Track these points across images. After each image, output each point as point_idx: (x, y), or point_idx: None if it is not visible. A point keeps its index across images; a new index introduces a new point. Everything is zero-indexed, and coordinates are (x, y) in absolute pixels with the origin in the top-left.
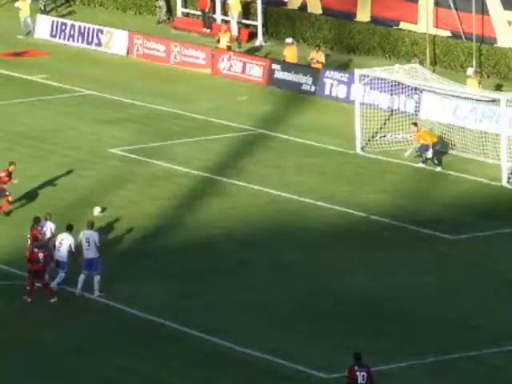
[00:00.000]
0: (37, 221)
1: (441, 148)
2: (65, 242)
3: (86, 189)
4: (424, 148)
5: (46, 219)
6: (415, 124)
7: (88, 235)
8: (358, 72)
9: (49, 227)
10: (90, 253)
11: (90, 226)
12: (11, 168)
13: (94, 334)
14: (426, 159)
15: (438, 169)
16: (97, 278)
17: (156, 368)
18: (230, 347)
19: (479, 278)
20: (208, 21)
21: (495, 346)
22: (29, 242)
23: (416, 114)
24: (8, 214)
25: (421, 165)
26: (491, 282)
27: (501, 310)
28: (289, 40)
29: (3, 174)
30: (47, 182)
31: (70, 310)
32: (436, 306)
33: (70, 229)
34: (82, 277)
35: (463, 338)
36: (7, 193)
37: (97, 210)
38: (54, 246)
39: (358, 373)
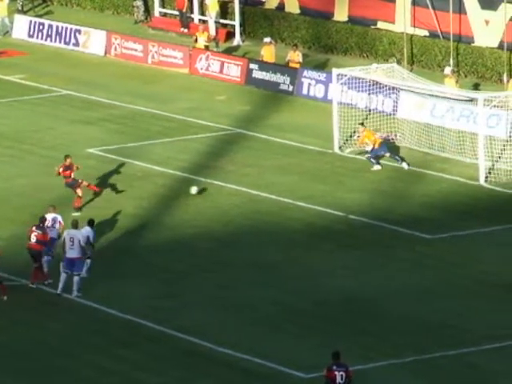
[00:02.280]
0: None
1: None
2: (84, 237)
3: (64, 189)
4: (376, 151)
5: (50, 212)
6: (362, 124)
7: (72, 234)
8: (335, 71)
9: (57, 219)
10: (72, 252)
11: (75, 225)
12: (68, 161)
13: (73, 334)
14: (378, 158)
15: (404, 165)
16: (76, 279)
17: (135, 368)
18: (210, 347)
19: (457, 277)
20: (186, 20)
21: (474, 345)
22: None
23: (393, 114)
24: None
25: (378, 167)
26: (469, 282)
27: (479, 309)
28: (267, 39)
29: (61, 169)
30: (25, 182)
31: (49, 310)
32: (415, 306)
33: (91, 223)
34: (63, 276)
35: (442, 337)
36: (80, 180)
37: (194, 190)
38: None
39: (336, 372)
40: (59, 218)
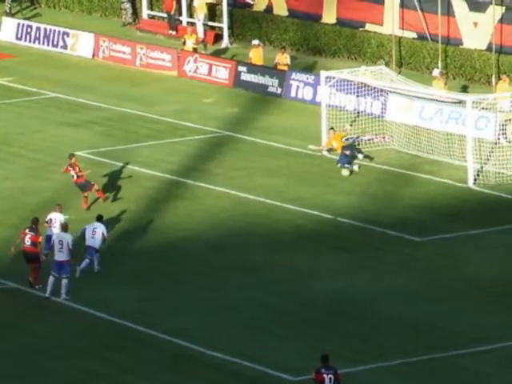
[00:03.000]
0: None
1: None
2: (98, 231)
3: (52, 191)
4: (345, 155)
5: (56, 210)
6: (332, 128)
7: (61, 237)
8: (324, 74)
9: (58, 218)
10: (61, 255)
11: (64, 227)
12: (72, 160)
13: (61, 337)
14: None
15: (355, 167)
16: (64, 282)
17: (123, 371)
18: (198, 350)
19: (445, 279)
20: (174, 23)
21: (462, 347)
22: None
23: (382, 116)
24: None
25: (347, 172)
26: (457, 284)
27: (466, 311)
28: (255, 42)
29: (71, 169)
30: (12, 185)
31: (37, 313)
32: (403, 308)
33: (100, 218)
34: (51, 279)
35: (430, 339)
36: (92, 183)
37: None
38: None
39: (325, 375)
40: (61, 217)
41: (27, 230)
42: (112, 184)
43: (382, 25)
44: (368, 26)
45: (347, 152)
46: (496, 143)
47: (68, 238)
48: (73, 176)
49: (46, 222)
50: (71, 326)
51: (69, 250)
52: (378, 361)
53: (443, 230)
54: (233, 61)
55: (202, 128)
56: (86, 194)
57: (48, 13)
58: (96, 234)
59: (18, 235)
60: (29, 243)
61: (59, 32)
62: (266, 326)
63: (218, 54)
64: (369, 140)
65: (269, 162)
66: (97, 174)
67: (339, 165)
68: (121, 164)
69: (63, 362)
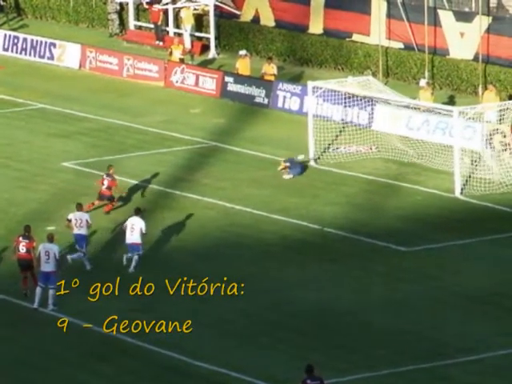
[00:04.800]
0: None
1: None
2: (136, 226)
3: (39, 203)
4: (290, 168)
5: (78, 210)
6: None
7: (48, 248)
8: (310, 84)
9: (84, 218)
10: (48, 266)
11: (50, 238)
12: (111, 171)
13: (47, 348)
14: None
15: (288, 176)
16: (51, 293)
17: (110, 382)
18: (185, 361)
19: (432, 289)
20: (160, 33)
21: (449, 357)
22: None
23: (369, 126)
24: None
25: (289, 176)
26: (444, 294)
27: (454, 321)
28: (242, 52)
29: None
30: (0, 196)
31: (24, 324)
32: (390, 318)
33: (138, 212)
34: (38, 290)
35: (417, 350)
36: (115, 200)
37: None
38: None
39: None
40: (86, 216)
41: (21, 238)
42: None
43: (368, 35)
44: (355, 37)
45: (288, 164)
46: (483, 153)
47: (55, 249)
48: (103, 185)
49: (69, 221)
50: (56, 337)
51: (56, 261)
52: (365, 371)
53: (430, 239)
54: (220, 71)
55: (189, 138)
56: (96, 203)
57: (35, 24)
58: (134, 229)
59: (12, 243)
60: (23, 250)
61: (46, 43)
62: (253, 336)
63: (204, 64)
64: (356, 151)
65: (256, 172)
66: (84, 184)
67: (292, 175)
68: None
69: (51, 373)
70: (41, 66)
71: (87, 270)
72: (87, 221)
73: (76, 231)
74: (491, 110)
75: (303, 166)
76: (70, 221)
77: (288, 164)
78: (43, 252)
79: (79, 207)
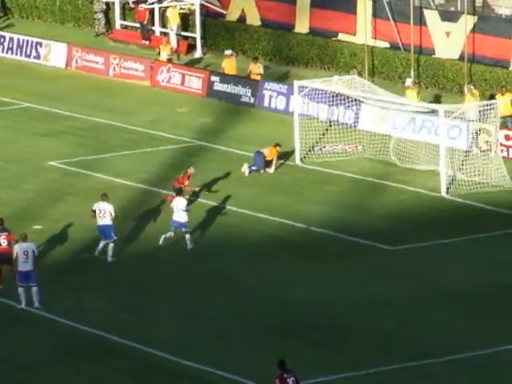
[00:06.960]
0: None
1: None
2: (179, 206)
3: (25, 202)
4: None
5: (103, 200)
6: (279, 145)
7: (25, 247)
8: (296, 83)
9: (107, 209)
10: (27, 265)
11: (24, 238)
12: (190, 171)
13: (32, 348)
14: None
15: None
16: (35, 290)
17: (95, 381)
18: (171, 360)
19: (417, 288)
20: (147, 33)
21: (435, 356)
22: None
23: (355, 125)
24: None
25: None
26: (430, 293)
27: (439, 320)
28: (228, 52)
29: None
30: None
31: (9, 324)
32: (375, 317)
33: (180, 192)
34: (20, 290)
35: (402, 349)
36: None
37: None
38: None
39: (288, 379)
40: (110, 208)
41: None
42: (85, 194)
43: (354, 34)
44: (341, 36)
45: (254, 168)
46: (468, 152)
47: (32, 247)
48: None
49: (93, 211)
50: (42, 336)
51: (34, 259)
52: (350, 370)
53: (415, 238)
54: (206, 71)
55: (175, 138)
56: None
57: (21, 23)
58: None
59: None
60: (5, 244)
61: (32, 42)
62: (239, 336)
63: (191, 63)
64: (342, 151)
65: (242, 171)
66: (70, 183)
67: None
68: (94, 174)
69: (36, 373)
70: (27, 66)
71: (108, 262)
72: (110, 212)
73: (100, 222)
74: (472, 110)
75: (262, 157)
76: (94, 211)
77: (249, 169)
78: (21, 252)
79: (104, 197)
